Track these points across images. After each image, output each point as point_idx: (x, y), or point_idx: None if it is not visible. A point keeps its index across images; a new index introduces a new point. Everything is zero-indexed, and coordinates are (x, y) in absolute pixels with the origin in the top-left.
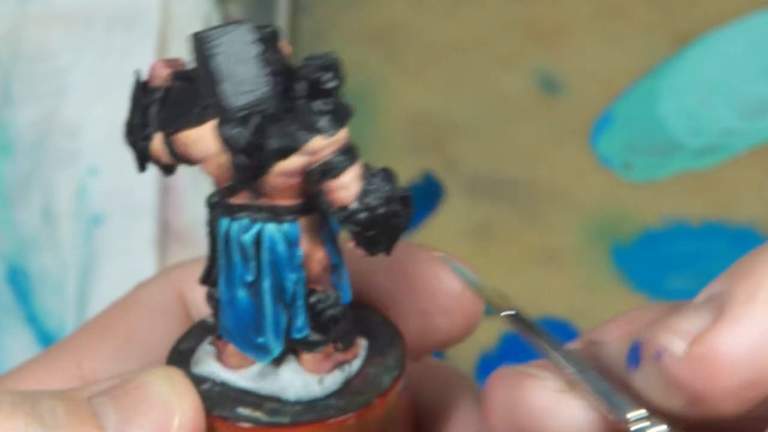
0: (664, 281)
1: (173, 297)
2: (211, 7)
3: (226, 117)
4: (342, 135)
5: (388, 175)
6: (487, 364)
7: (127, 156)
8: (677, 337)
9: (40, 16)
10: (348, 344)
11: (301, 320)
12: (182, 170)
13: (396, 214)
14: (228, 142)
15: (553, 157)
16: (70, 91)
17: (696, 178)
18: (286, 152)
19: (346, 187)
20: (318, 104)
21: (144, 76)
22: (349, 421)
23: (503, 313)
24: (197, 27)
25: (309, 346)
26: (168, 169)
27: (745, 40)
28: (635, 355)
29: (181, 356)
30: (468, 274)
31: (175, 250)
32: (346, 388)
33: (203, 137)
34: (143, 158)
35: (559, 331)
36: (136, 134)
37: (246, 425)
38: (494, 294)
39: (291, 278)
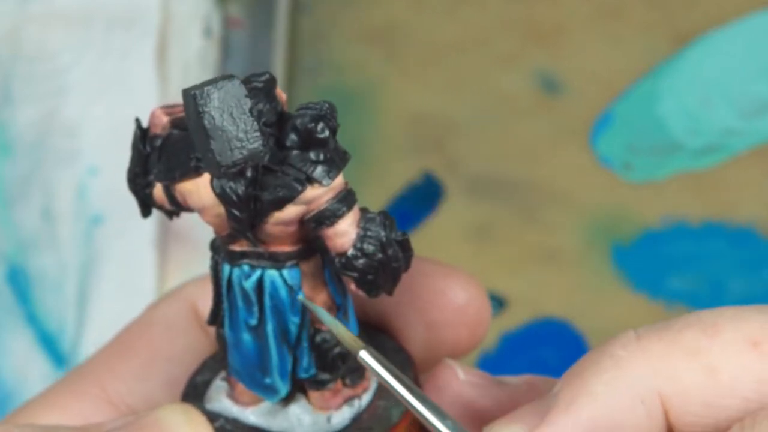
0: (664, 281)
1: (188, 312)
2: (211, 7)
3: (217, 174)
4: (338, 182)
5: (385, 219)
6: (487, 364)
7: (127, 156)
8: None
9: (40, 16)
10: (356, 380)
11: (306, 360)
12: None
13: (394, 258)
14: (221, 197)
15: (553, 157)
16: (70, 91)
17: (696, 178)
18: (280, 203)
19: (343, 234)
20: (312, 154)
21: (144, 123)
22: None
23: (358, 355)
24: (197, 27)
25: (316, 384)
26: (171, 214)
27: (745, 40)
28: None
29: (196, 390)
30: (324, 314)
31: (175, 250)
32: (355, 424)
33: (199, 189)
34: (146, 205)
35: (559, 331)
36: (138, 182)
37: None
38: (347, 336)
39: (294, 321)
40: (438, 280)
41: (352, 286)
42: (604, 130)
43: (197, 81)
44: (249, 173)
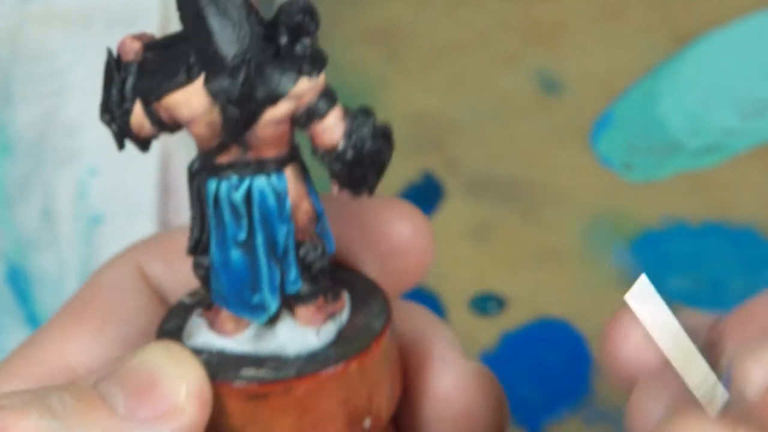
0: (664, 281)
1: (135, 274)
2: None
3: (219, 69)
4: (322, 79)
5: (366, 112)
6: (487, 364)
7: (127, 156)
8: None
9: (40, 16)
10: (336, 295)
11: (293, 273)
12: (182, 171)
13: (381, 149)
14: (219, 96)
15: (553, 157)
16: (70, 91)
17: (696, 178)
18: (275, 98)
19: (332, 128)
20: (299, 47)
21: (114, 53)
22: (350, 367)
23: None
24: None
25: (302, 299)
26: (145, 144)
27: (745, 40)
28: (727, 378)
29: (169, 334)
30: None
31: None
32: (340, 338)
33: (189, 98)
34: (123, 134)
35: (559, 331)
36: (114, 111)
37: (252, 385)
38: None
39: (282, 231)
40: (384, 212)
41: (335, 188)
42: (604, 130)
43: None
44: (243, 71)
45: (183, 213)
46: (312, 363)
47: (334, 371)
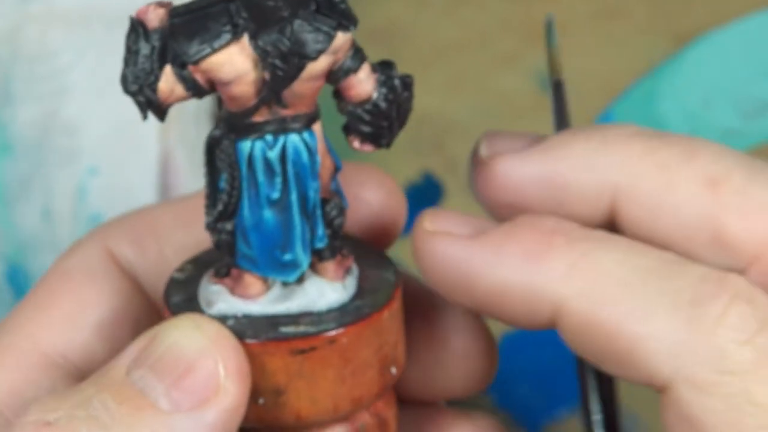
0: None
1: (105, 257)
2: None
3: (266, 25)
4: (350, 32)
5: (390, 65)
6: None
7: (127, 156)
8: (487, 146)
9: (40, 16)
10: (348, 250)
11: (321, 229)
12: (182, 170)
13: (408, 98)
14: (267, 51)
15: None
16: (70, 91)
17: None
18: (317, 53)
19: (364, 81)
20: (338, 1)
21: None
22: (384, 314)
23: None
24: None
25: (326, 255)
26: (164, 113)
27: (745, 40)
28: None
29: (185, 305)
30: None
31: None
32: (360, 291)
33: (232, 58)
34: (149, 104)
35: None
36: (142, 80)
37: (297, 340)
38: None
39: (313, 187)
40: (358, 178)
41: (357, 143)
42: None
43: None
44: (289, 26)
45: None
46: (347, 314)
47: (371, 320)
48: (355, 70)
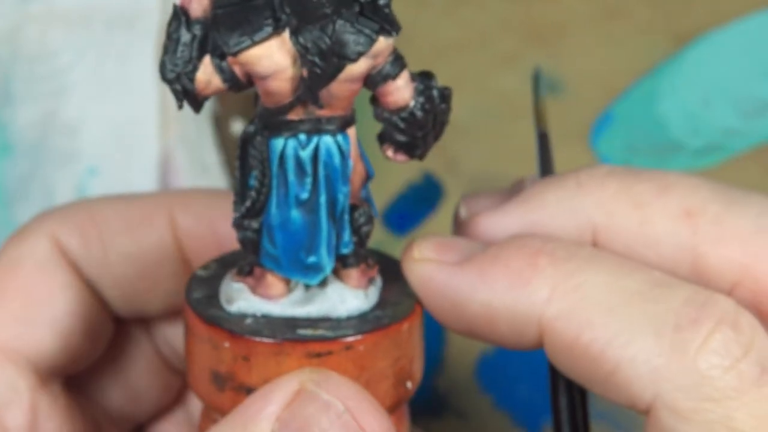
0: None
1: (54, 248)
2: None
3: (308, 21)
4: (392, 38)
5: (429, 75)
6: (487, 365)
7: (127, 156)
8: (466, 207)
9: (40, 16)
10: (374, 261)
11: (347, 235)
12: (182, 170)
13: (446, 111)
14: (307, 48)
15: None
16: (70, 91)
17: None
18: (357, 55)
19: (402, 88)
20: (383, 5)
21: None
22: (403, 327)
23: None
24: None
25: (351, 262)
26: (201, 105)
27: (745, 40)
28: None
29: (206, 302)
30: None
31: None
32: (382, 302)
33: (272, 52)
34: (186, 93)
35: None
36: (180, 68)
37: (315, 343)
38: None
39: (343, 191)
40: None
41: (390, 152)
42: (604, 130)
43: None
44: (331, 25)
45: None
46: (366, 323)
47: (389, 330)
48: (393, 76)
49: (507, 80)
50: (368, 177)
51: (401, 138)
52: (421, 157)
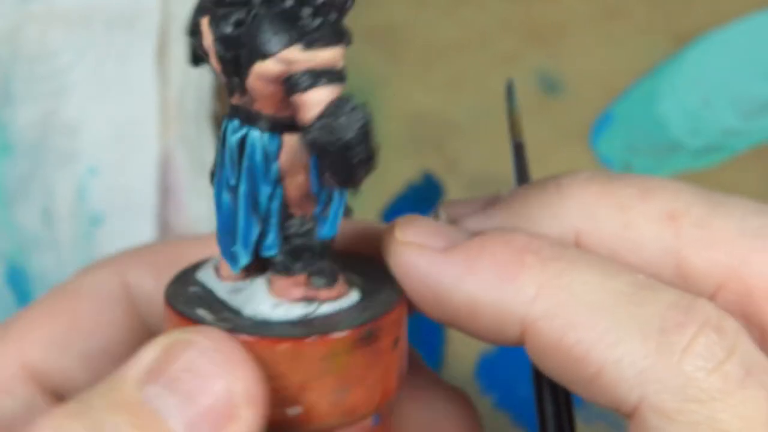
0: None
1: (118, 286)
2: None
3: (226, 9)
4: (327, 56)
5: (355, 107)
6: (487, 365)
7: (127, 156)
8: (445, 213)
9: (40, 16)
10: (323, 285)
11: (271, 238)
12: (182, 170)
13: (351, 143)
14: (213, 30)
15: (553, 157)
16: (70, 91)
17: (696, 178)
18: (260, 54)
19: (309, 106)
20: (306, 11)
21: None
22: (279, 347)
23: None
24: None
25: (277, 268)
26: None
27: (745, 40)
28: None
29: (189, 269)
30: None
31: None
32: (300, 323)
33: (205, 30)
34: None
35: None
36: (192, 28)
37: (187, 323)
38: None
39: (265, 191)
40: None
41: (327, 175)
42: (604, 130)
43: (197, 81)
44: (236, 15)
45: (183, 213)
46: (253, 327)
47: (261, 342)
48: (301, 89)
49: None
50: (312, 195)
51: (318, 161)
52: (348, 185)
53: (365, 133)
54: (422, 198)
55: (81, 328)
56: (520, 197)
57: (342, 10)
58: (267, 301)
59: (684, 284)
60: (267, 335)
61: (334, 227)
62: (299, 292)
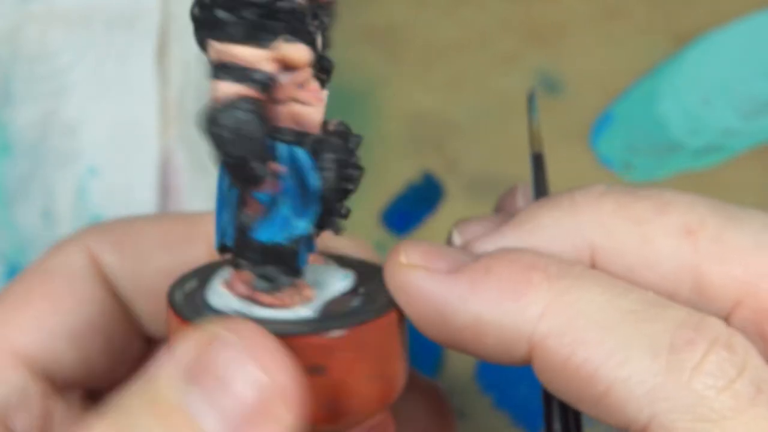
0: None
1: (89, 262)
2: None
3: None
4: (236, 51)
5: (239, 109)
6: (487, 365)
7: (127, 156)
8: (459, 233)
9: (40, 16)
10: (268, 289)
11: (229, 230)
12: (182, 170)
13: (220, 141)
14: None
15: (553, 157)
16: (70, 91)
17: (696, 178)
18: (214, 35)
19: (210, 93)
20: (283, 7)
21: None
22: (179, 325)
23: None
24: None
25: (231, 260)
26: None
27: (745, 40)
28: None
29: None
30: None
31: None
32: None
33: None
34: None
35: None
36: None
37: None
38: None
39: (225, 181)
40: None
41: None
42: (604, 130)
43: (197, 81)
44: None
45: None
46: (185, 308)
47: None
48: (210, 77)
49: (507, 80)
50: (256, 196)
51: None
52: (237, 184)
53: (238, 135)
54: (422, 198)
55: (62, 308)
56: (534, 214)
57: (262, 8)
58: (217, 289)
59: (701, 300)
60: (182, 316)
61: (275, 233)
62: (242, 288)
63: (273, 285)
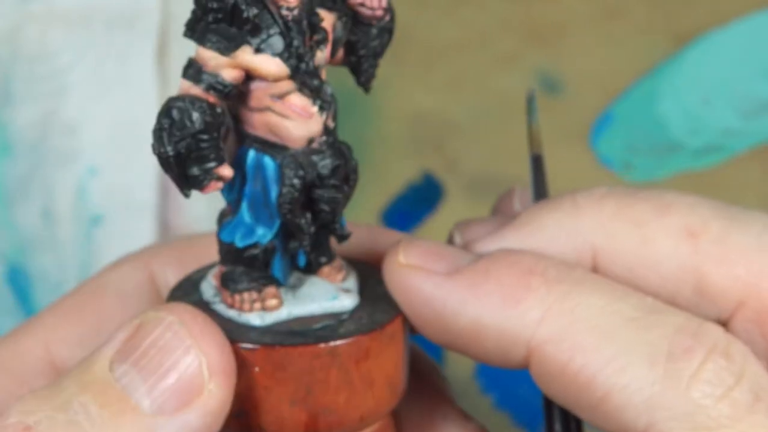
0: None
1: (144, 281)
2: None
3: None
4: (200, 52)
5: (177, 108)
6: (487, 367)
7: (127, 156)
8: (460, 234)
9: (40, 16)
10: (229, 288)
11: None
12: None
13: (155, 136)
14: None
15: (553, 157)
16: (70, 91)
17: (696, 178)
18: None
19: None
20: (246, 15)
21: None
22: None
23: None
24: None
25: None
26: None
27: (745, 40)
28: None
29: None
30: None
31: None
32: (200, 305)
33: None
34: None
35: None
36: None
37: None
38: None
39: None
40: None
41: None
42: (604, 130)
43: None
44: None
45: (183, 213)
46: (173, 289)
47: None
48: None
49: (507, 80)
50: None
51: None
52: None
53: (161, 134)
54: (422, 198)
55: (108, 325)
56: (535, 216)
57: (224, 13)
58: (209, 278)
59: (703, 301)
60: (168, 297)
61: (232, 235)
62: (216, 282)
63: (232, 287)
